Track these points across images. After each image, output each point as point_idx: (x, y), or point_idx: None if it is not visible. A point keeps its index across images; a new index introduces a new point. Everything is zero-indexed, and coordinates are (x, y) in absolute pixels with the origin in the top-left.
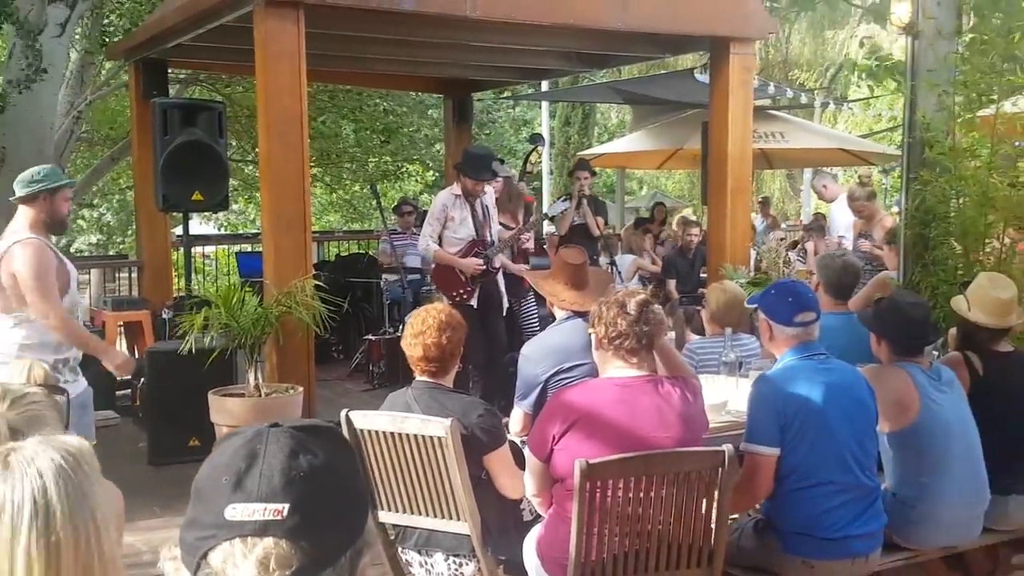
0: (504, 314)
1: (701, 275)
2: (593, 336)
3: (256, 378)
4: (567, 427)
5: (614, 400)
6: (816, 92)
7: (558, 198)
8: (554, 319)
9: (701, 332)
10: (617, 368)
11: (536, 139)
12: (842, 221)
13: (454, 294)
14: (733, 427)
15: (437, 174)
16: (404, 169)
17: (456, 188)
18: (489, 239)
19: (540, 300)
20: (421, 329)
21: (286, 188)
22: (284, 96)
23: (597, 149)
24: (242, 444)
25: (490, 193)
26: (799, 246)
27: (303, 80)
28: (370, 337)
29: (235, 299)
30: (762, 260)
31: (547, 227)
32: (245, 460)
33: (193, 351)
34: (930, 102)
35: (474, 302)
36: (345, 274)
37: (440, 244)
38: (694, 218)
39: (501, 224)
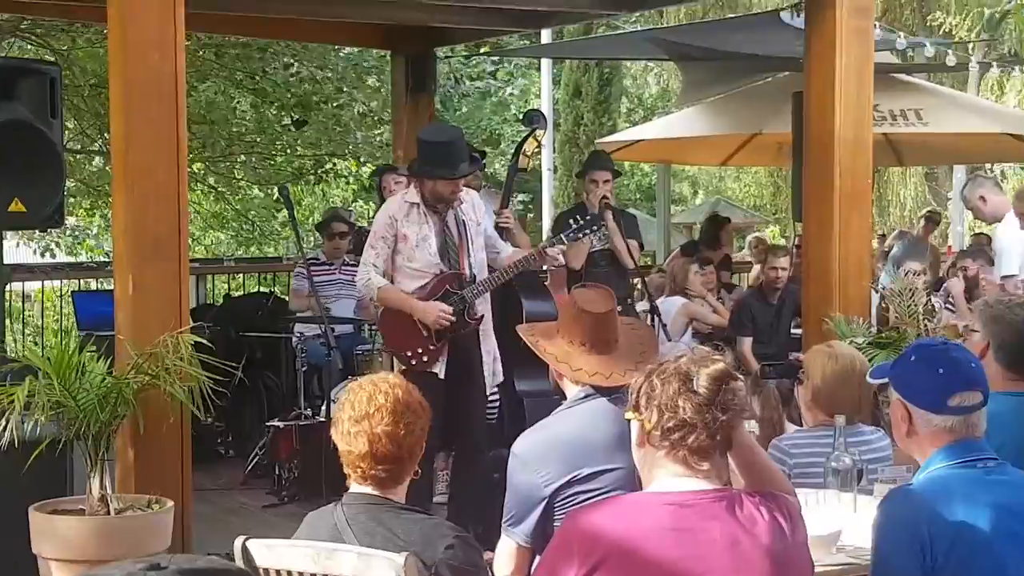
0: (487, 390)
1: (792, 330)
2: (634, 425)
3: (103, 486)
4: (589, 571)
5: (666, 528)
6: (972, 47)
7: (571, 213)
8: (562, 397)
9: (795, 421)
10: (672, 477)
11: (534, 118)
12: (1014, 249)
13: (409, 355)
14: (851, 573)
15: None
16: (330, 165)
17: (412, 192)
18: (468, 271)
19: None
20: (366, 411)
21: (151, 192)
22: (150, 52)
23: (625, 134)
24: None
25: (472, 200)
26: (943, 285)
27: (179, 29)
28: (276, 424)
29: (71, 364)
30: (889, 308)
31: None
32: None
33: (6, 444)
34: None
35: (439, 369)
36: (239, 325)
37: (390, 278)
38: (781, 241)
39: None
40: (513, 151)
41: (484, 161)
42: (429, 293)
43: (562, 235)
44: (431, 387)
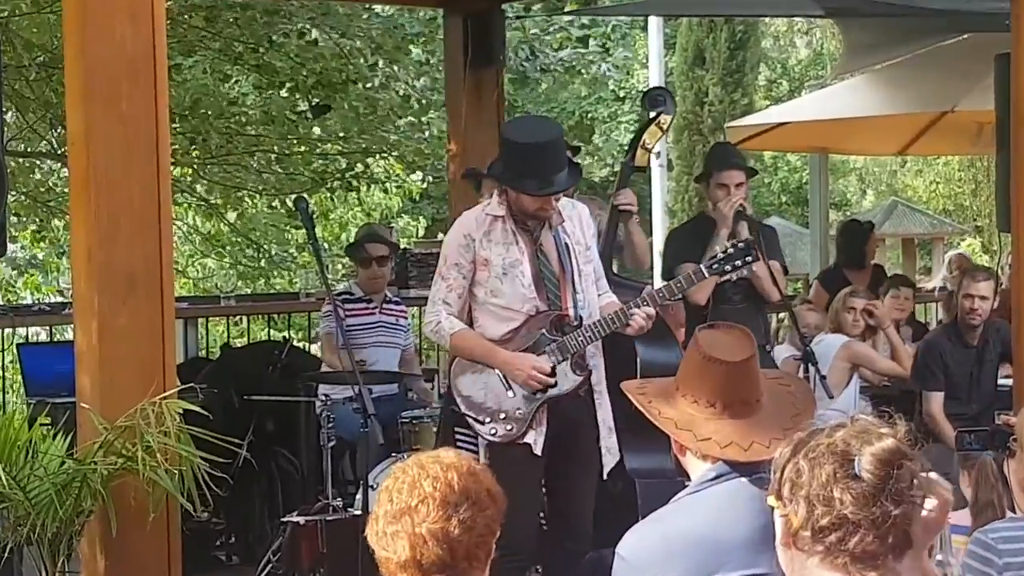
0: (601, 474)
1: (1000, 381)
2: (779, 518)
3: None
4: None
5: None
6: None
7: (695, 230)
8: (685, 479)
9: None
10: None
11: (658, 99)
12: None
13: (488, 422)
14: None
15: (433, 177)
16: (362, 167)
17: (495, 203)
18: (572, 311)
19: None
20: (407, 504)
21: (122, 209)
22: (118, 20)
23: (765, 115)
24: None
25: (580, 216)
26: None
27: None
28: (295, 520)
29: (17, 443)
30: None
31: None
32: None
33: None
34: None
35: (534, 440)
36: (242, 386)
37: (468, 320)
38: (984, 260)
39: (617, 278)
40: (629, 145)
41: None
42: (519, 341)
43: (702, 268)
44: (522, 464)
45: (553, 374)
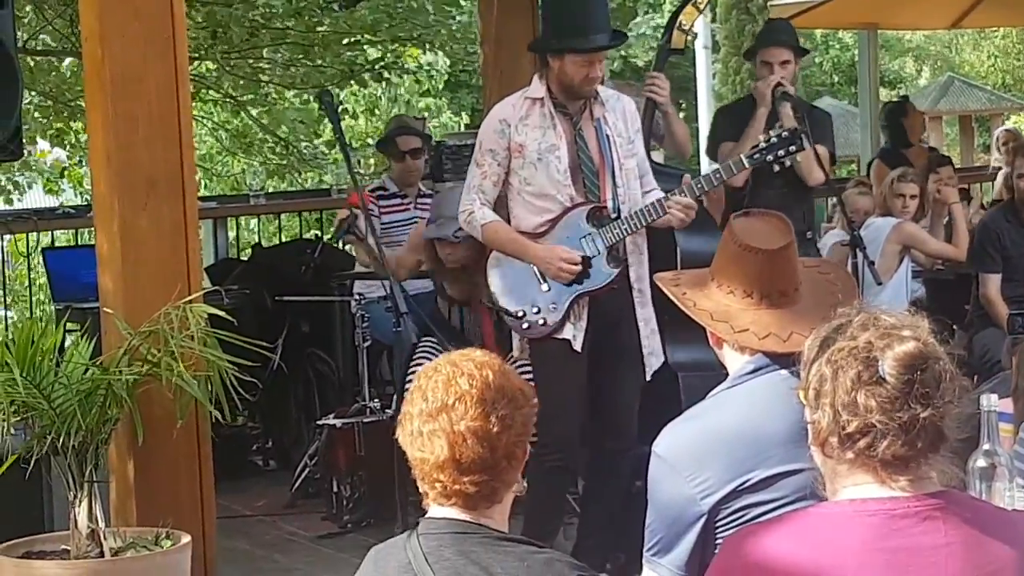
0: (644, 375)
1: None
2: (810, 424)
3: (92, 518)
4: None
5: (872, 549)
6: None
7: (738, 111)
8: (722, 372)
9: None
10: (864, 486)
11: None
12: None
13: (521, 316)
14: None
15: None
16: (398, 60)
17: (535, 86)
18: (612, 203)
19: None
20: (444, 402)
21: (140, 108)
22: None
23: None
24: None
25: (624, 108)
26: None
27: None
28: (331, 423)
29: (42, 350)
30: None
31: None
32: None
33: None
34: None
35: (572, 336)
36: (275, 287)
37: (504, 214)
38: None
39: (657, 166)
40: (665, 30)
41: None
42: (555, 233)
43: (742, 158)
44: (562, 361)
45: (587, 266)
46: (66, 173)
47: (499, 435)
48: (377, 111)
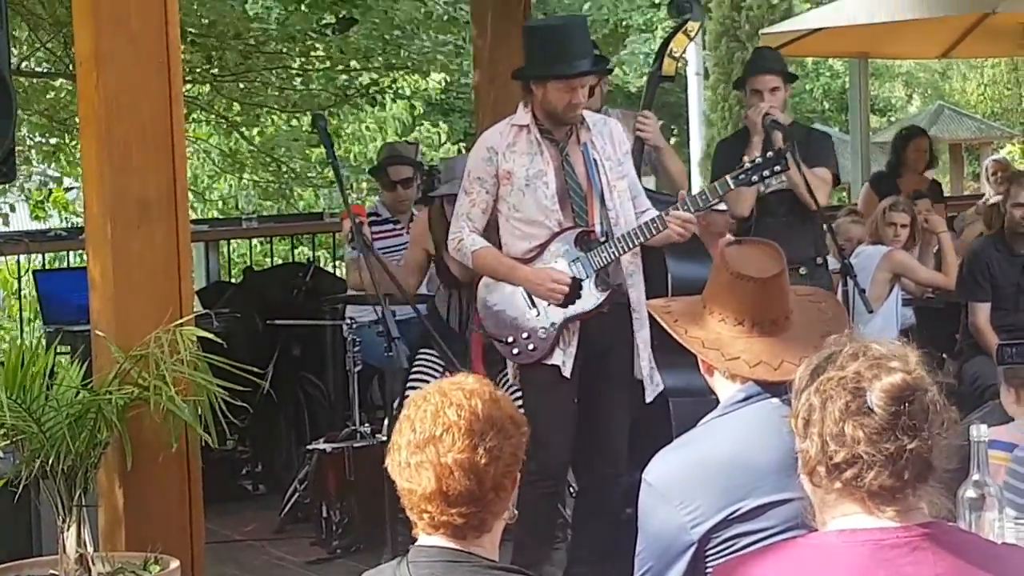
0: (646, 395)
1: None
2: (799, 453)
3: (81, 542)
4: None
5: None
6: None
7: (739, 143)
8: (713, 397)
9: None
10: (852, 516)
11: (685, 5)
12: None
13: (511, 342)
14: None
15: (457, 91)
16: (390, 84)
17: (520, 114)
18: (600, 227)
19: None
20: (431, 432)
21: (134, 130)
22: None
23: (803, 20)
24: None
25: (611, 131)
26: None
27: None
28: (321, 447)
29: (32, 373)
30: None
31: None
32: None
33: None
34: None
35: (561, 361)
36: (265, 310)
37: (495, 239)
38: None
39: (650, 192)
40: (655, 54)
41: (610, 64)
42: (544, 258)
43: (727, 179)
44: (552, 387)
45: (576, 288)
46: (51, 197)
47: (487, 467)
48: (384, 135)
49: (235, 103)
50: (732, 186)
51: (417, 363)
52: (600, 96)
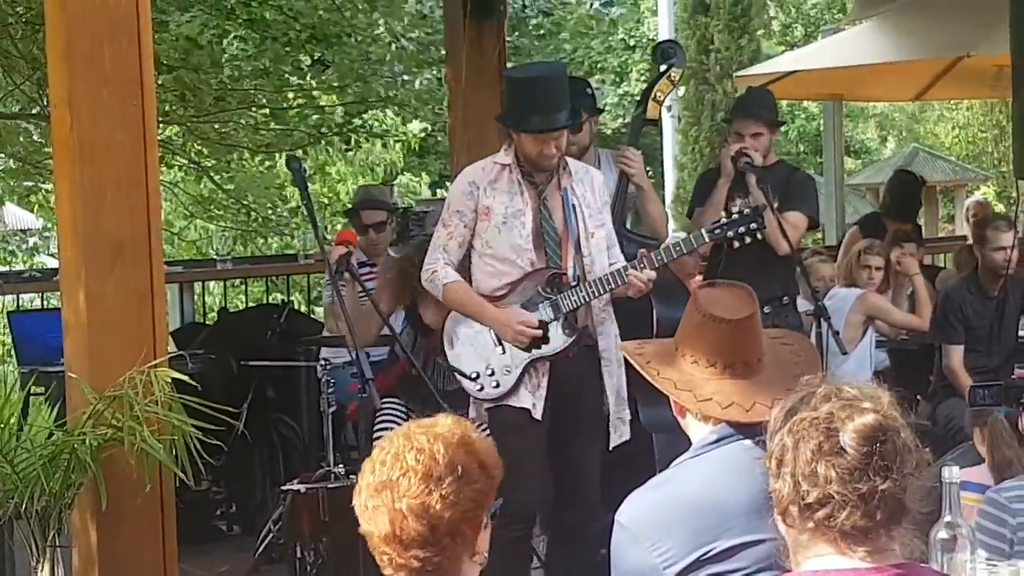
0: (610, 442)
1: (1022, 334)
2: (772, 493)
3: None
4: None
5: None
6: None
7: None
8: (685, 442)
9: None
10: (825, 557)
11: (668, 52)
12: None
13: (475, 378)
14: None
15: (434, 132)
16: (364, 124)
17: (502, 153)
18: (573, 271)
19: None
20: (388, 476)
21: (107, 173)
22: None
23: (775, 63)
24: None
25: (592, 179)
26: None
27: None
28: (295, 488)
29: (5, 414)
30: None
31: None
32: None
33: None
34: None
35: (531, 405)
36: (240, 351)
37: (467, 276)
38: (1001, 208)
39: (628, 233)
40: (640, 97)
41: (596, 101)
42: (513, 297)
43: (702, 232)
44: (522, 430)
45: (543, 331)
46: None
47: (441, 512)
48: (364, 176)
49: (205, 148)
50: (707, 239)
51: (382, 411)
52: (589, 133)
